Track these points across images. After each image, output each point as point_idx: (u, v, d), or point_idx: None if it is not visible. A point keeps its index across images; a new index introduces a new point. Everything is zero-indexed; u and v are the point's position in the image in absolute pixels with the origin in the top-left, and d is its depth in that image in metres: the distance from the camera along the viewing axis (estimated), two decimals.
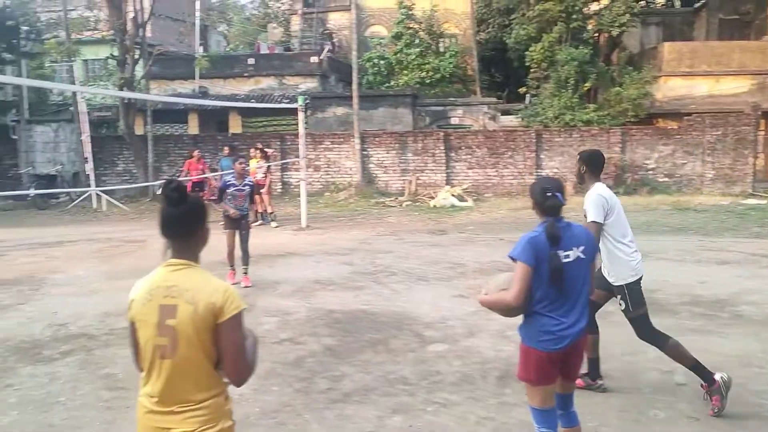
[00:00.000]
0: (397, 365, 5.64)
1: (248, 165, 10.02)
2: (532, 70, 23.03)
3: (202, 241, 2.47)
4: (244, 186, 8.82)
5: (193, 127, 24.47)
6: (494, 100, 23.48)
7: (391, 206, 17.93)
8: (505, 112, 22.95)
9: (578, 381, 4.47)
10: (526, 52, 22.74)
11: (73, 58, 20.80)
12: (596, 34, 23.22)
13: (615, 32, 22.18)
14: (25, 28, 21.67)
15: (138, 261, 10.80)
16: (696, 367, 4.55)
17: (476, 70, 25.99)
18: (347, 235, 13.24)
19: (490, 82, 27.54)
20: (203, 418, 2.31)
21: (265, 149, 16.47)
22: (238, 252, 8.85)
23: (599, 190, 4.56)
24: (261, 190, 15.15)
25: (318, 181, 20.23)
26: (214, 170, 16.90)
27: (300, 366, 5.65)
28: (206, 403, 2.32)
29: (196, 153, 16.36)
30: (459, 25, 27.47)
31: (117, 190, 19.48)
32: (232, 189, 8.74)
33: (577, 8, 21.61)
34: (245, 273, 8.79)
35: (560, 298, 3.26)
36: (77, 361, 5.77)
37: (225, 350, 2.31)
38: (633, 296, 4.58)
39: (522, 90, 24.16)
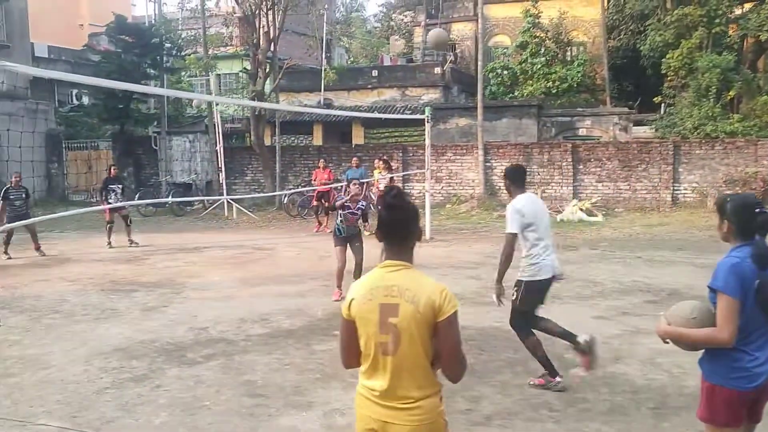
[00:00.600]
0: (538, 389, 5.34)
1: (371, 175, 9.95)
2: (668, 79, 21.79)
3: (414, 242, 2.58)
4: (357, 210, 8.74)
5: (317, 138, 25.12)
6: (625, 110, 22.38)
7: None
8: (638, 123, 21.83)
9: (539, 380, 5.28)
10: (662, 60, 21.54)
11: (209, 72, 21.92)
12: (740, 40, 21.65)
13: (764, 37, 20.55)
14: (168, 45, 23.09)
15: (268, 268, 11.10)
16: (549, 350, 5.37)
17: (606, 79, 24.94)
18: (472, 248, 12.97)
19: (621, 91, 26.32)
20: (421, 417, 2.43)
21: (388, 161, 16.57)
22: (349, 267, 8.66)
23: (516, 203, 5.12)
24: None
25: (439, 193, 20.08)
26: (337, 180, 17.17)
27: None
28: (424, 401, 2.44)
29: (321, 162, 16.81)
30: (588, 33, 26.57)
31: (246, 199, 20.24)
32: (346, 211, 8.69)
33: (720, 12, 20.23)
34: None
35: (758, 330, 2.88)
36: (219, 366, 5.89)
37: (443, 347, 2.44)
38: (527, 293, 5.13)
39: (656, 99, 22.90)
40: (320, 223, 15.95)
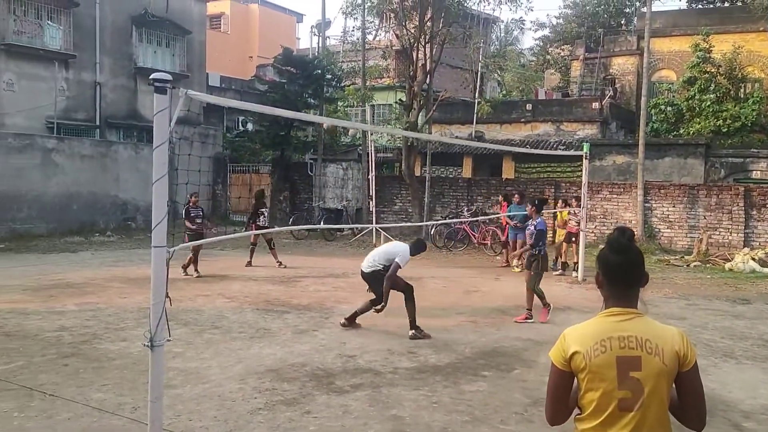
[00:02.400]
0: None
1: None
2: None
3: (643, 287, 2.41)
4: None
5: (467, 170, 25.01)
6: None
7: (677, 265, 16.23)
8: None
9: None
10: None
11: (366, 103, 22.59)
12: None
13: None
14: (329, 76, 24.13)
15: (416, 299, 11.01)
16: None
17: None
18: None
19: None
20: None
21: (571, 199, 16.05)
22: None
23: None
24: (572, 239, 14.80)
25: (592, 232, 19.17)
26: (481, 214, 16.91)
27: None
28: None
29: (501, 198, 16.72)
30: (765, 69, 24.52)
31: (394, 228, 20.47)
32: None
33: None
34: (547, 310, 9.48)
35: None
36: (366, 397, 5.84)
37: (688, 398, 2.30)
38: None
39: None
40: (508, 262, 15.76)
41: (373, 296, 8.63)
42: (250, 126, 28.39)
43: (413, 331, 8.25)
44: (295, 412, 5.38)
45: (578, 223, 14.28)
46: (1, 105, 20.10)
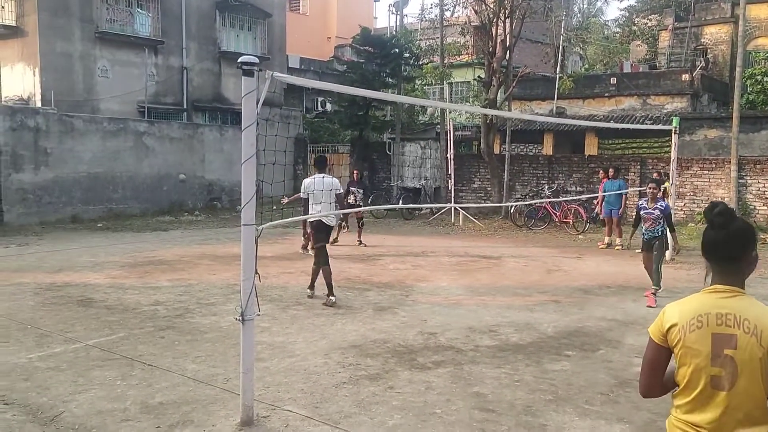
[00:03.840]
0: None
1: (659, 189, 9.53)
2: None
3: (748, 266, 2.32)
4: (654, 209, 9.03)
5: (547, 147, 24.50)
6: None
7: None
8: None
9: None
10: None
11: (444, 81, 22.42)
12: None
13: None
14: (406, 54, 24.07)
15: (495, 278, 10.98)
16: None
17: None
18: None
19: None
20: None
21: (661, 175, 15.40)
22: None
23: (310, 178, 9.18)
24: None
25: (681, 210, 18.43)
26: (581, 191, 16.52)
27: None
28: None
29: (607, 172, 15.86)
30: None
31: (472, 207, 20.35)
32: (642, 212, 9.15)
33: None
34: (653, 293, 8.95)
35: None
36: (448, 374, 5.89)
37: None
38: (316, 233, 8.75)
39: None
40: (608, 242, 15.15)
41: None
42: (329, 106, 28.74)
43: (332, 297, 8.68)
44: (379, 387, 5.50)
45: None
46: (96, 91, 21.13)
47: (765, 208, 17.79)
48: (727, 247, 2.28)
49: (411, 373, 5.90)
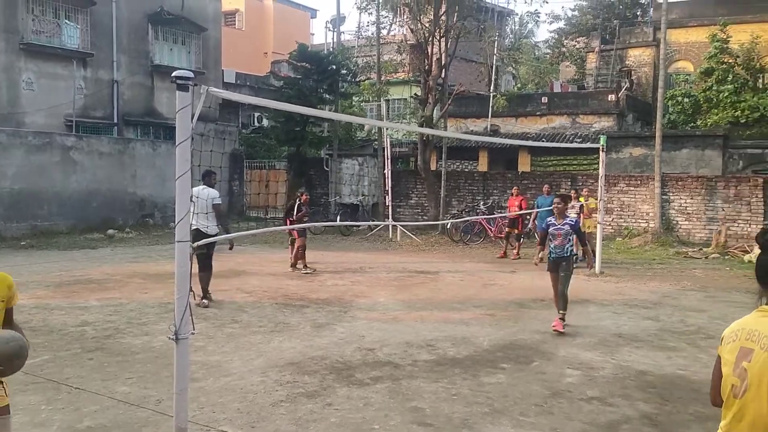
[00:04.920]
0: None
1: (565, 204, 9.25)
2: None
3: None
4: (563, 225, 8.41)
5: (482, 164, 24.99)
6: None
7: (695, 258, 16.14)
8: None
9: None
10: None
11: (381, 98, 22.61)
12: None
13: None
14: (344, 71, 24.18)
15: (432, 293, 11.09)
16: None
17: None
18: (646, 286, 12.13)
19: None
20: None
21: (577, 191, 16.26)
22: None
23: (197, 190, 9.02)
24: None
25: (610, 225, 19.08)
26: (530, 207, 16.90)
27: None
28: None
29: (515, 190, 17.07)
30: None
31: (409, 224, 20.53)
32: (551, 229, 8.49)
33: None
34: (560, 318, 8.30)
35: None
36: (386, 389, 5.90)
37: None
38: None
39: None
40: (505, 253, 16.03)
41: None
42: (265, 122, 28.54)
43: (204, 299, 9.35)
44: (317, 404, 5.45)
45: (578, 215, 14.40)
46: (20, 104, 20.34)
47: (687, 222, 18.62)
48: None
49: (349, 389, 5.88)
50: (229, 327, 8.22)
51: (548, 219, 8.71)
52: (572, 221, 8.59)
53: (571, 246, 8.61)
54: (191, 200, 8.65)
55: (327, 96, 23.74)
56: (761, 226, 17.28)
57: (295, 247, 13.24)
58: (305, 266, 13.15)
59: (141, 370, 6.34)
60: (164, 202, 21.54)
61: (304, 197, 14.29)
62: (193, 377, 5.91)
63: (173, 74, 4.46)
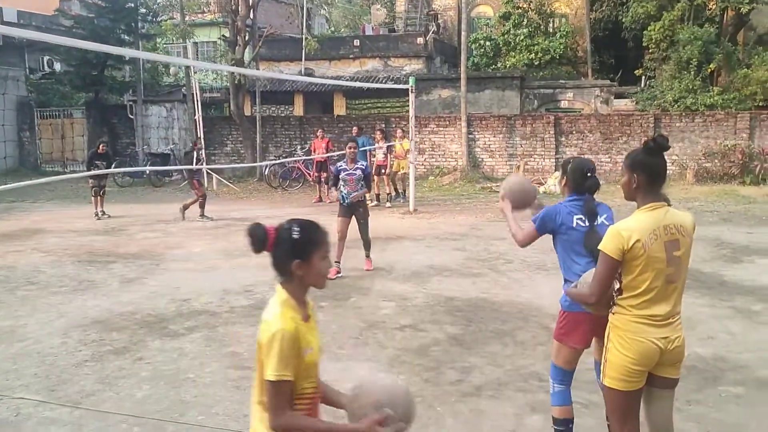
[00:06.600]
0: (527, 359, 5.29)
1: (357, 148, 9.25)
2: (649, 51, 21.72)
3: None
4: (354, 170, 8.27)
5: (298, 108, 24.72)
6: (607, 82, 22.25)
7: (498, 191, 17.38)
8: (619, 96, 21.75)
9: None
10: (644, 32, 21.45)
11: (186, 40, 21.36)
12: (721, 12, 21.55)
13: (744, 9, 20.47)
14: (142, 10, 22.46)
15: None
16: None
17: (588, 52, 24.76)
18: (455, 219, 12.88)
19: (602, 64, 26.16)
20: (681, 324, 2.99)
21: (384, 131, 16.62)
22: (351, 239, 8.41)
23: None
24: (382, 171, 15.25)
25: (422, 165, 19.90)
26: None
27: (425, 354, 5.39)
28: (680, 309, 2.99)
29: (320, 132, 17.17)
30: (570, 4, 26.32)
31: (226, 170, 19.91)
32: (343, 174, 8.31)
33: None
34: (367, 257, 8.52)
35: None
36: (202, 338, 5.75)
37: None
38: None
39: (638, 72, 22.84)
40: (320, 197, 15.97)
41: None
42: (58, 66, 25.84)
43: None
44: (126, 360, 5.18)
45: (385, 156, 15.29)
46: None
47: (491, 159, 19.93)
48: (665, 172, 2.97)
49: (162, 341, 5.65)
50: (23, 289, 7.50)
51: (338, 164, 8.56)
52: (363, 165, 8.46)
53: (361, 190, 8.38)
54: None
55: (126, 37, 21.96)
56: (553, 160, 19.06)
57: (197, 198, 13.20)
58: (202, 215, 13.11)
59: None
60: None
61: (101, 148, 13.43)
62: None
63: None
